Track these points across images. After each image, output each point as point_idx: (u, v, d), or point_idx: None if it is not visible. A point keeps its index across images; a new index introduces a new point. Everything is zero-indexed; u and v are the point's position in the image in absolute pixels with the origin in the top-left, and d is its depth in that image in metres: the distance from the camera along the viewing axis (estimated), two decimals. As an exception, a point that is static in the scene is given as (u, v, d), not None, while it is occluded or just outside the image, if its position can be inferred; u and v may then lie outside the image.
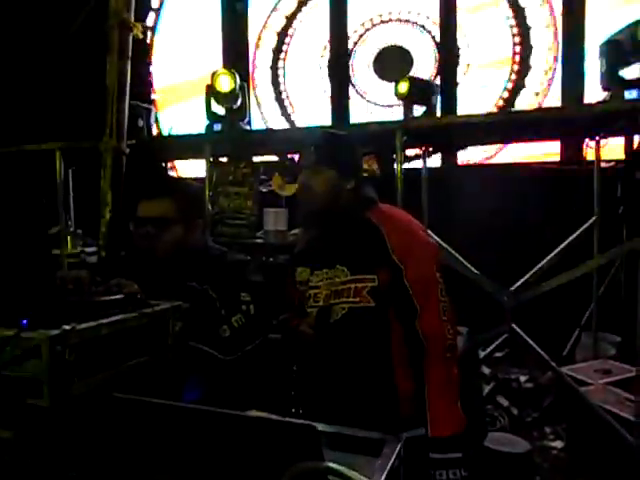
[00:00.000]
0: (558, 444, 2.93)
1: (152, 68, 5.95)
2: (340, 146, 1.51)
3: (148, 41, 5.83)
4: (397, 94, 3.57)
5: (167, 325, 1.25)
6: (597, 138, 3.27)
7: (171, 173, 5.45)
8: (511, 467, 2.24)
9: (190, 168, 5.39)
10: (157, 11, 5.98)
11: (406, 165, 3.30)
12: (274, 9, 5.60)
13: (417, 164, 3.78)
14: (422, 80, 3.84)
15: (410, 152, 3.98)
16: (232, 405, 1.24)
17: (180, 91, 5.82)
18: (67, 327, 0.96)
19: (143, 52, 5.61)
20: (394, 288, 1.37)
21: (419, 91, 3.53)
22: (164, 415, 0.83)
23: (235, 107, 3.48)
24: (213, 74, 3.51)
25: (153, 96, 5.90)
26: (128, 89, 2.00)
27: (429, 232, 3.16)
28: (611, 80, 2.76)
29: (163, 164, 4.61)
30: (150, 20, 5.91)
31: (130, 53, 1.96)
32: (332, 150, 1.49)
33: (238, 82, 3.39)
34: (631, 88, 2.69)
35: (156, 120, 5.71)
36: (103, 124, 1.97)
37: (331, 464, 0.64)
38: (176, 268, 1.54)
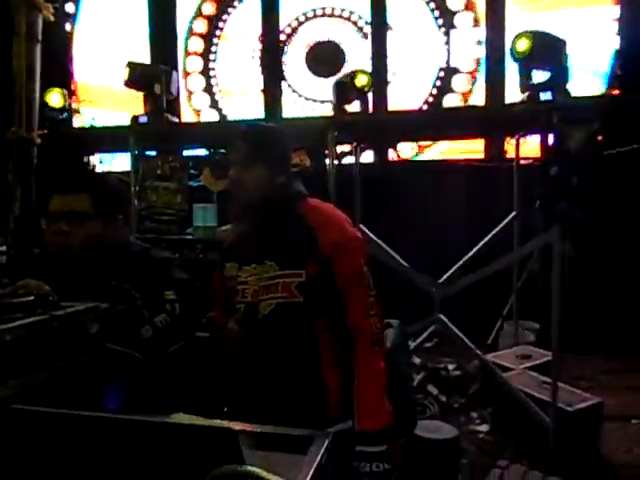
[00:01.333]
0: (484, 428, 3.07)
1: (74, 60, 5.57)
2: (270, 140, 1.48)
3: (68, 30, 5.48)
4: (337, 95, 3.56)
5: (81, 328, 1.17)
6: (517, 136, 3.45)
7: (97, 167, 5.16)
8: (439, 453, 2.31)
9: (117, 162, 5.14)
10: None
11: (338, 161, 3.32)
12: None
13: (351, 160, 3.81)
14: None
15: (344, 148, 4.02)
16: (157, 409, 1.19)
17: (103, 92, 5.50)
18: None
19: (62, 41, 5.27)
20: (322, 283, 1.35)
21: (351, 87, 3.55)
22: (73, 426, 0.77)
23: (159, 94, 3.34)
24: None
25: (74, 87, 5.54)
26: (38, 75, 1.85)
27: (360, 226, 3.21)
28: (527, 82, 2.93)
29: (85, 157, 4.35)
30: (70, 8, 5.54)
31: (40, 36, 1.81)
32: (262, 144, 1.45)
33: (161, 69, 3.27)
34: (545, 90, 2.86)
35: (77, 111, 5.40)
36: (10, 113, 1.81)
37: (250, 467, 0.62)
38: (94, 266, 1.44)
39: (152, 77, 3.56)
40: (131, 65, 3.56)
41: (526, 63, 2.81)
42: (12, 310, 1.11)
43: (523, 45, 2.76)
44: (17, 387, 0.99)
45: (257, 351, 1.41)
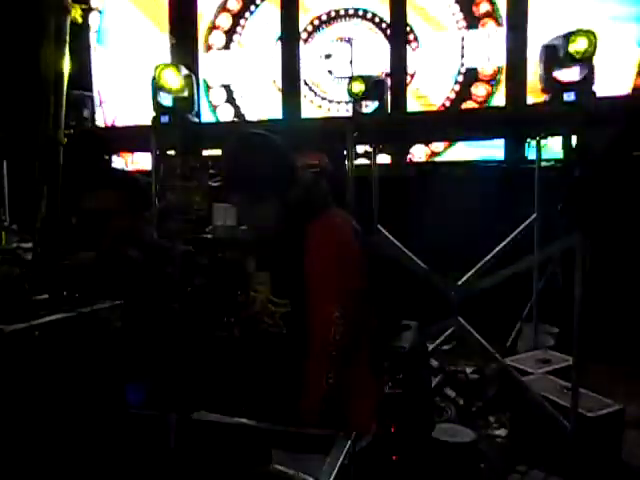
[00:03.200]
0: (502, 432, 3.04)
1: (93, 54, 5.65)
2: (254, 169, 1.35)
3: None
4: (351, 94, 3.56)
5: (107, 324, 1.19)
6: (538, 138, 3.41)
7: (121, 165, 5.23)
8: (458, 456, 2.30)
9: (139, 161, 5.20)
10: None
11: (357, 162, 3.32)
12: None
13: (364, 161, 3.80)
14: (374, 78, 3.86)
15: (360, 149, 4.01)
16: (180, 406, 1.21)
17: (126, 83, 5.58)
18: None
19: (83, 36, 5.35)
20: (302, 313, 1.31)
21: (371, 89, 3.54)
22: (105, 421, 0.78)
23: (183, 97, 3.37)
24: (156, 68, 3.39)
25: (96, 84, 5.63)
26: (66, 77, 1.89)
27: (378, 227, 3.20)
28: (549, 83, 2.88)
29: (107, 156, 4.41)
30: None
31: (68, 37, 1.84)
32: (247, 180, 1.34)
33: (184, 74, 3.29)
34: (569, 91, 2.81)
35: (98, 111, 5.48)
36: (39, 113, 1.85)
37: (279, 467, 0.62)
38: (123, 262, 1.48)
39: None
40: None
41: (549, 64, 2.76)
42: (39, 307, 1.13)
43: (583, 44, 2.62)
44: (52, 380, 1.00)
45: (254, 363, 1.42)
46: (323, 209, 1.40)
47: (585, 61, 2.62)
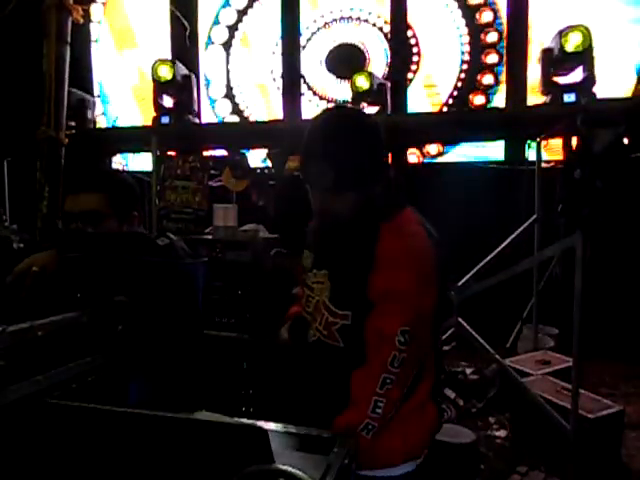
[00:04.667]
0: (502, 433, 3.04)
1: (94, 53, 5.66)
2: (354, 150, 1.13)
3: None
4: (355, 89, 3.55)
5: (111, 323, 1.19)
6: (539, 139, 3.41)
7: (116, 166, 5.23)
8: (458, 457, 2.30)
9: (137, 162, 5.21)
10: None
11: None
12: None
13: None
14: (377, 77, 3.87)
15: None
16: (181, 405, 1.20)
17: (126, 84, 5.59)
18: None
19: (86, 42, 5.36)
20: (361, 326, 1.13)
21: (375, 91, 3.55)
22: (105, 421, 0.78)
23: (183, 98, 3.38)
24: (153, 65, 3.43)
25: (97, 85, 5.63)
26: (67, 76, 1.89)
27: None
28: (549, 84, 2.89)
29: (105, 156, 4.41)
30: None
31: (69, 37, 1.84)
32: (339, 162, 1.12)
33: (181, 71, 3.30)
34: (569, 92, 2.82)
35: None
36: (40, 113, 1.85)
37: (281, 466, 0.63)
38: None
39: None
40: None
41: (547, 66, 2.77)
42: (43, 307, 1.13)
43: (577, 38, 2.61)
44: (53, 381, 1.00)
45: (299, 371, 1.30)
46: (400, 209, 1.22)
47: (581, 56, 2.62)
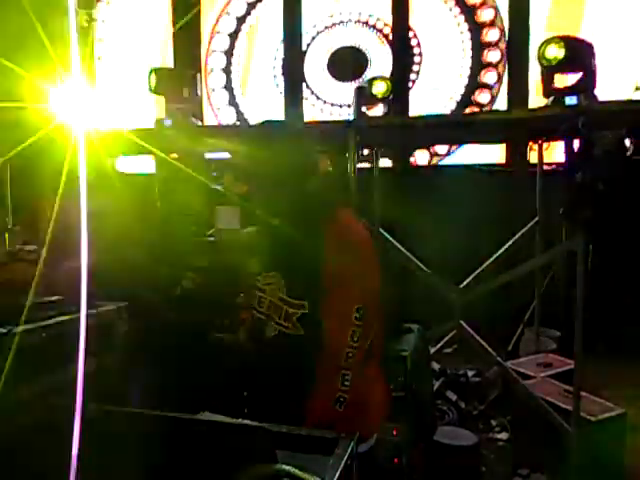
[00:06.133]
0: (503, 435, 3.04)
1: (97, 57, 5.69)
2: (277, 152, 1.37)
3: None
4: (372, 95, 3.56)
5: (112, 326, 1.20)
6: (540, 141, 3.41)
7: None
8: (459, 459, 2.30)
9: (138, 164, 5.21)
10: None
11: (359, 165, 3.32)
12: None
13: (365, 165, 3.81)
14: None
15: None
16: (182, 407, 1.21)
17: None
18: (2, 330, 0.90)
19: (88, 40, 5.37)
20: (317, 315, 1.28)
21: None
22: (106, 421, 0.79)
23: (186, 99, 3.39)
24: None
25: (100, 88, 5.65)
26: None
27: (380, 230, 3.21)
28: (550, 87, 2.89)
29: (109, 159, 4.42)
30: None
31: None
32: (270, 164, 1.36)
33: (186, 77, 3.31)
34: (571, 94, 2.82)
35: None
36: (42, 114, 1.86)
37: (285, 466, 0.63)
38: None
39: (179, 81, 3.61)
40: (156, 71, 3.62)
41: (554, 70, 2.77)
42: (45, 309, 1.14)
43: (553, 52, 2.67)
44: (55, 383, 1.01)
45: (263, 366, 1.38)
46: (339, 208, 1.40)
47: (559, 67, 2.66)
